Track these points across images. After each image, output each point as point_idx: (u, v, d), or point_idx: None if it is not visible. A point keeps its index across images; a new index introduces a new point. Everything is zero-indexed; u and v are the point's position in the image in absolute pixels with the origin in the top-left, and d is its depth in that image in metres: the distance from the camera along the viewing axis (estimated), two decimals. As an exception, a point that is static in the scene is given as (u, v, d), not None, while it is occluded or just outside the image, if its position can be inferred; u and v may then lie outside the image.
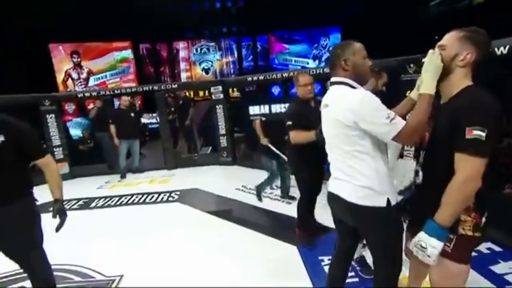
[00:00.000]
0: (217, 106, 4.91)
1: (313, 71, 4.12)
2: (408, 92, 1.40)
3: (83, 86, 11.33)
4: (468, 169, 1.06)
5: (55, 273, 2.37)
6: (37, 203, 1.73)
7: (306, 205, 2.62)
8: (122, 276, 2.31)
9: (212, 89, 4.88)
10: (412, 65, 3.20)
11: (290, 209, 3.28)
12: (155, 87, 4.91)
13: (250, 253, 2.54)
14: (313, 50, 12.57)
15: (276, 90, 12.46)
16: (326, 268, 2.25)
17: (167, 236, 2.93)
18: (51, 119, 4.74)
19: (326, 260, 2.41)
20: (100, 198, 4.09)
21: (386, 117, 1.16)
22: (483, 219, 1.14)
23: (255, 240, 2.77)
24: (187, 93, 5.96)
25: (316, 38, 12.44)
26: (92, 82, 11.49)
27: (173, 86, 5.05)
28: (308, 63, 12.57)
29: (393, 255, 1.34)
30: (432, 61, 1.16)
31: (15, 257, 1.63)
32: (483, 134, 1.02)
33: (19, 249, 1.61)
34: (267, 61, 12.94)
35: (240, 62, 12.97)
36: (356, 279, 2.07)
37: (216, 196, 3.89)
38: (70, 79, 11.08)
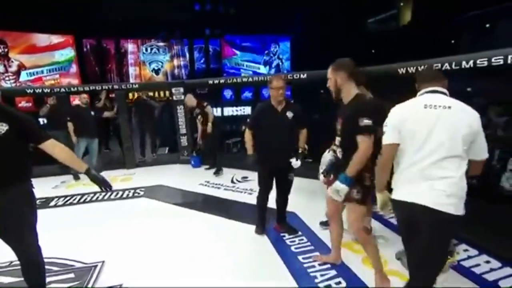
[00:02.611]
0: (178, 107, 5.11)
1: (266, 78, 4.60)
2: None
3: (12, 81, 10.13)
4: (364, 144, 1.74)
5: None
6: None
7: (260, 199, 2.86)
8: (103, 262, 2.46)
9: (173, 90, 5.07)
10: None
11: (251, 199, 3.72)
12: (115, 86, 4.92)
13: (222, 235, 2.89)
14: (264, 56, 13.24)
15: (228, 93, 12.89)
16: (288, 241, 2.74)
17: (141, 225, 3.12)
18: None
19: (287, 235, 2.86)
20: (59, 197, 3.98)
21: None
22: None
23: (224, 224, 3.13)
24: (140, 94, 5.86)
25: (267, 45, 13.12)
26: (24, 77, 10.28)
27: (134, 86, 5.11)
28: (259, 68, 13.18)
29: (444, 258, 1.64)
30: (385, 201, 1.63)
31: (12, 237, 1.73)
32: (370, 122, 1.72)
33: (16, 229, 1.71)
34: (219, 65, 13.21)
35: (192, 64, 13.00)
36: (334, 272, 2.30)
37: (182, 191, 4.12)
38: (-7, 72, 9.77)
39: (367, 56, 9.66)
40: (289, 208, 3.28)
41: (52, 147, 1.76)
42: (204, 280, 2.20)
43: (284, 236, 2.85)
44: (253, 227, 2.93)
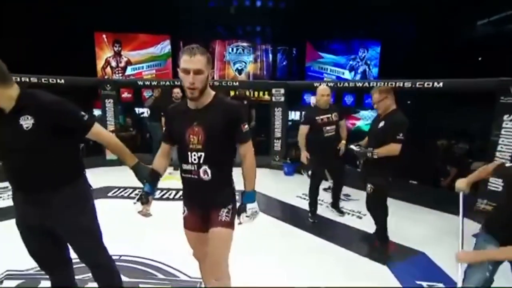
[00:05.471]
0: (276, 109, 4.78)
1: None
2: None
3: (120, 74, 11.49)
4: (251, 151, 1.53)
5: (136, 266, 2.33)
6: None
7: None
8: (208, 278, 2.18)
9: (273, 91, 4.77)
10: (516, 87, 2.98)
11: (361, 224, 3.17)
12: (216, 83, 4.83)
13: (336, 267, 2.44)
14: (350, 61, 12.36)
15: (308, 97, 12.40)
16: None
17: (240, 237, 2.74)
18: (109, 104, 4.73)
19: (425, 285, 2.24)
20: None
21: None
22: None
23: (334, 251, 2.68)
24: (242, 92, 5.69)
25: (355, 49, 12.23)
26: (129, 71, 11.62)
27: (234, 83, 4.99)
28: (343, 74, 12.37)
29: None
30: None
31: (72, 246, 1.53)
32: (247, 126, 1.50)
33: (73, 237, 1.49)
34: (302, 67, 12.82)
35: (274, 66, 12.90)
36: None
37: (279, 202, 3.74)
38: (109, 67, 11.28)
39: (471, 65, 8.11)
40: (417, 246, 2.67)
41: (98, 134, 1.47)
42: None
43: (421, 286, 2.22)
44: (371, 262, 2.50)
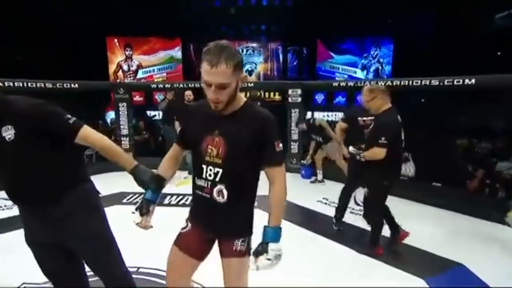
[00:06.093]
0: (292, 110, 4.63)
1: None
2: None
3: (131, 78, 11.55)
4: (283, 177, 1.26)
5: (155, 279, 2.20)
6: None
7: None
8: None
9: (289, 91, 4.62)
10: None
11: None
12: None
13: (365, 280, 2.27)
14: (362, 60, 12.12)
15: (320, 98, 12.22)
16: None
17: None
18: (122, 108, 4.67)
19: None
20: (171, 195, 3.88)
21: None
22: None
23: (366, 264, 2.49)
24: (255, 94, 5.62)
25: (367, 47, 11.98)
26: (140, 75, 11.67)
27: (249, 85, 4.88)
28: (355, 72, 12.15)
29: None
30: None
31: (83, 258, 1.42)
32: (281, 145, 1.23)
33: (81, 246, 1.37)
34: (313, 67, 12.64)
35: (285, 66, 12.76)
36: None
37: (299, 207, 3.58)
38: (121, 71, 11.35)
39: (490, 60, 7.74)
40: (454, 256, 2.48)
41: (86, 137, 1.28)
42: None
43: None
44: (405, 274, 2.30)
